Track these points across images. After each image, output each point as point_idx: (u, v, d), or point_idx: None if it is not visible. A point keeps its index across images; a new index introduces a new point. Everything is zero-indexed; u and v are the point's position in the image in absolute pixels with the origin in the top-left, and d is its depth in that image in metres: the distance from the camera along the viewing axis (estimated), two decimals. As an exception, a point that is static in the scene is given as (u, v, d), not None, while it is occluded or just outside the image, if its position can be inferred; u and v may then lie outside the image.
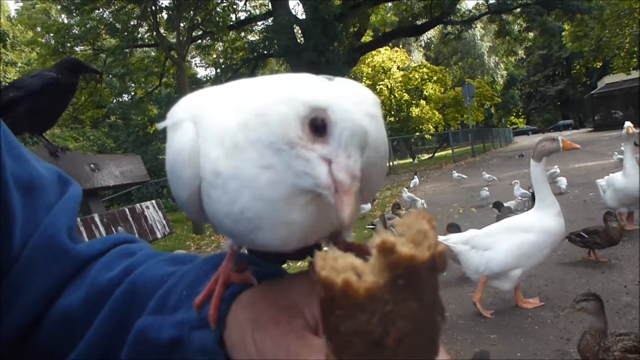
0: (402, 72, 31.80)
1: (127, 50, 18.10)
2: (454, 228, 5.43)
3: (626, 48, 28.74)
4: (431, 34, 41.64)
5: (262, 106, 0.44)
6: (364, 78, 30.11)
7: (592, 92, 45.40)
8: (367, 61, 29.72)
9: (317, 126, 0.42)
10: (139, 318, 0.55)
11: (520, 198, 8.14)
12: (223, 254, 0.58)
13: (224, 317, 0.50)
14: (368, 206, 9.29)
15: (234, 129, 0.45)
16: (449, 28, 26.60)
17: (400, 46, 38.38)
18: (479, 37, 48.15)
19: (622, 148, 14.73)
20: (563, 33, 33.04)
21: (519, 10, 23.90)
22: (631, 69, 30.98)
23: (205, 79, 24.82)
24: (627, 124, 5.95)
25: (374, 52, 28.57)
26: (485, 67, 51.69)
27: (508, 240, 3.98)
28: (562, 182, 9.85)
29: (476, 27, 35.00)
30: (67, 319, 0.62)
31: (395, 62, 31.01)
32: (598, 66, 42.45)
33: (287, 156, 0.42)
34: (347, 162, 0.42)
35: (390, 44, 30.07)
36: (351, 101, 0.45)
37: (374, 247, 0.34)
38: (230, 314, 0.50)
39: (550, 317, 3.92)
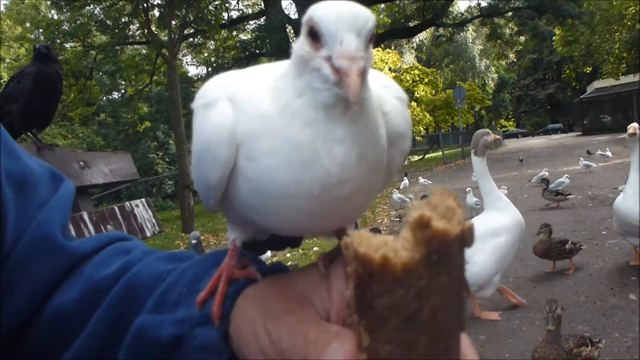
0: (393, 74, 31.88)
1: (118, 48, 17.97)
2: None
3: (615, 54, 29.01)
4: (423, 36, 41.75)
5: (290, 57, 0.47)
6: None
7: (582, 96, 45.76)
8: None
9: (313, 35, 0.44)
10: (137, 316, 0.55)
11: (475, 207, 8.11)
12: (221, 251, 0.58)
13: (227, 314, 0.50)
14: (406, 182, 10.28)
15: (275, 80, 0.47)
16: (441, 30, 26.68)
17: (392, 48, 38.46)
18: (470, 40, 48.38)
19: (601, 153, 14.69)
20: (554, 37, 33.24)
21: (510, 14, 24.02)
22: (620, 74, 31.26)
23: (196, 78, 24.69)
24: (633, 124, 4.82)
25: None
26: (477, 70, 51.94)
27: (482, 251, 4.01)
28: (561, 180, 9.89)
29: (468, 30, 35.18)
30: (62, 317, 0.61)
31: (387, 63, 31.05)
32: (588, 71, 42.81)
33: (308, 75, 0.44)
34: (340, 49, 0.42)
35: (382, 46, 30.13)
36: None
37: (408, 222, 0.35)
38: (236, 309, 0.50)
39: (538, 318, 3.93)
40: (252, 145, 0.46)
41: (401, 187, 13.04)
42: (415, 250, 0.34)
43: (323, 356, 0.41)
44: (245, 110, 0.48)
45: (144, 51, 22.04)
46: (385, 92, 0.50)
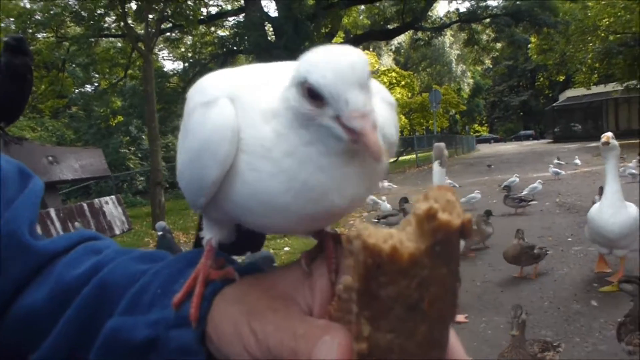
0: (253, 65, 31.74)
1: (92, 40, 17.58)
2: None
3: (588, 64, 29.62)
4: (402, 38, 42.02)
5: (285, 92, 0.46)
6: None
7: (554, 104, 46.61)
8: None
9: (313, 96, 0.43)
10: (108, 317, 0.54)
11: None
12: (195, 251, 0.58)
13: (205, 315, 0.50)
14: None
15: (276, 113, 0.47)
16: (420, 34, 26.91)
17: (371, 49, 38.61)
18: (448, 45, 48.83)
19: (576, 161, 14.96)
20: (529, 45, 33.75)
21: (488, 20, 24.35)
22: (592, 84, 31.92)
23: (172, 73, 24.43)
24: (607, 133, 4.92)
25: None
26: (453, 75, 52.45)
27: None
28: (534, 186, 10.14)
29: (446, 34, 35.51)
30: (30, 317, 0.60)
31: (364, 65, 31.11)
32: (561, 79, 43.67)
33: (315, 129, 0.45)
34: (348, 110, 0.42)
35: (361, 47, 30.20)
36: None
37: (416, 214, 0.36)
38: (215, 309, 0.50)
39: (503, 322, 4.00)
40: (255, 160, 0.47)
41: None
42: (420, 241, 0.35)
43: (315, 351, 0.41)
44: (248, 122, 0.48)
45: (119, 44, 21.64)
46: (376, 99, 0.49)
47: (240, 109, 0.48)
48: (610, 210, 4.66)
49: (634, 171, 11.52)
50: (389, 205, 9.52)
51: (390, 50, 49.00)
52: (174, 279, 0.55)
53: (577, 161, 15.37)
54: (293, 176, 0.46)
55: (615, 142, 4.78)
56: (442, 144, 4.29)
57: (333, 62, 0.43)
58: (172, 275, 0.55)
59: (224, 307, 0.50)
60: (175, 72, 25.26)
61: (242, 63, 25.56)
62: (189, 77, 22.31)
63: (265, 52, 17.79)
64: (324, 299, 0.49)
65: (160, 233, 4.79)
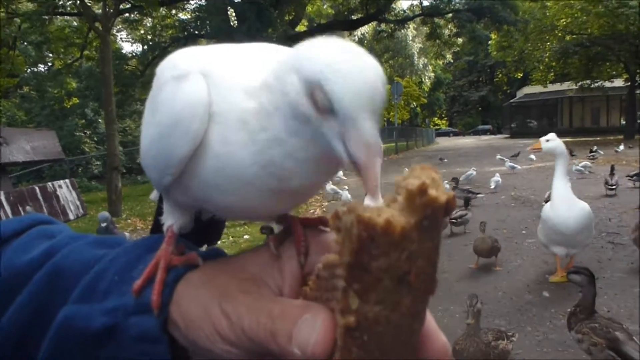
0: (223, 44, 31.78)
1: (46, 17, 16.90)
2: None
3: (545, 62, 30.44)
4: (365, 30, 42.12)
5: (280, 73, 0.45)
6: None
7: (511, 100, 47.72)
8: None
9: (320, 99, 0.41)
10: (62, 305, 0.51)
11: None
12: (154, 237, 0.57)
13: (167, 302, 0.49)
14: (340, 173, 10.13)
15: (260, 90, 0.46)
16: (383, 26, 27.02)
17: (334, 40, 38.54)
18: (410, 38, 49.23)
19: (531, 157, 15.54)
20: (489, 42, 34.41)
21: (450, 15, 24.63)
22: (548, 82, 32.82)
23: (131, 55, 23.82)
24: (541, 139, 5.04)
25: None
26: (415, 68, 52.95)
27: None
28: (495, 179, 10.63)
29: (409, 27, 35.75)
30: None
31: (328, 55, 31.12)
32: (519, 76, 44.73)
33: (309, 127, 0.44)
34: (357, 136, 0.41)
35: (323, 36, 30.11)
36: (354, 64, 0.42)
37: (407, 189, 0.37)
38: (181, 294, 0.49)
39: (459, 311, 4.08)
40: (229, 132, 0.47)
41: (336, 178, 13.17)
42: (410, 216, 0.37)
43: (296, 329, 0.41)
44: (222, 96, 0.47)
45: (75, 23, 20.90)
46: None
47: (212, 84, 0.48)
48: (564, 206, 4.76)
49: (581, 168, 11.98)
50: (349, 196, 9.58)
51: (354, 40, 48.91)
52: (133, 265, 0.53)
53: (532, 156, 15.80)
54: (262, 149, 0.46)
55: (558, 141, 4.91)
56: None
57: (356, 74, 0.41)
58: (130, 262, 0.54)
59: (191, 292, 0.49)
60: (134, 54, 24.67)
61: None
62: (148, 60, 21.84)
63: (227, 38, 17.53)
64: (294, 281, 0.49)
65: (103, 224, 4.64)
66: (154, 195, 0.70)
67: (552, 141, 4.94)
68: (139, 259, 0.54)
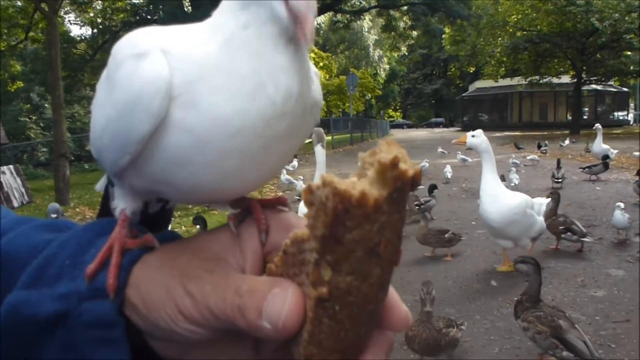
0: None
1: (-12, -4, 16.19)
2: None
3: (497, 57, 31.17)
4: (321, 20, 41.99)
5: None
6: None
7: (464, 94, 48.74)
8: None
9: None
10: (8, 292, 0.49)
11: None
12: (105, 221, 0.56)
13: (123, 286, 0.47)
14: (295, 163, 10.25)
15: (215, 17, 0.49)
16: (339, 16, 27.06)
17: (290, 29, 38.37)
18: (366, 29, 49.50)
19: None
20: (443, 36, 34.99)
21: (405, 8, 24.87)
22: (499, 77, 33.62)
23: (79, 39, 23.01)
24: (467, 134, 5.33)
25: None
26: (370, 59, 53.35)
27: None
28: (448, 170, 11.13)
29: (365, 19, 35.93)
30: None
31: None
32: (471, 71, 45.69)
33: (255, 8, 0.46)
34: None
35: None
36: None
37: (380, 162, 0.38)
38: (140, 276, 0.48)
39: (410, 300, 4.13)
40: (194, 91, 0.46)
41: (290, 169, 13.13)
42: (382, 189, 0.38)
43: (266, 304, 0.42)
44: (182, 58, 0.47)
45: (19, 3, 20.01)
46: None
47: (175, 58, 0.47)
48: (488, 199, 4.95)
49: (535, 157, 12.46)
50: (304, 185, 9.58)
51: (310, 30, 48.90)
52: (84, 249, 0.51)
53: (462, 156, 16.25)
54: (230, 71, 0.46)
55: (483, 138, 5.14)
56: (321, 129, 4.62)
57: None
58: (81, 246, 0.52)
59: (151, 273, 0.48)
60: (83, 38, 23.86)
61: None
62: (98, 44, 21.17)
63: (180, 23, 17.08)
64: (255, 259, 0.50)
65: (53, 215, 4.50)
66: (100, 185, 0.69)
67: (477, 137, 5.16)
68: (91, 242, 0.52)
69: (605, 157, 11.34)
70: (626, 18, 25.37)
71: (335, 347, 0.42)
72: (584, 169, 11.04)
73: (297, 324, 0.41)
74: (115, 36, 20.67)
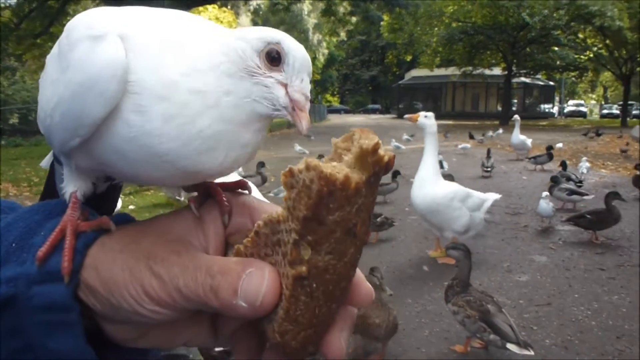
0: (141, 7, 31.14)
1: None
2: None
3: (433, 47, 31.81)
4: (261, 1, 41.49)
5: (221, 40, 0.49)
6: (189, 34, 28.83)
7: (400, 82, 49.59)
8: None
9: (273, 57, 0.50)
10: None
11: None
12: (52, 202, 0.55)
13: (78, 269, 0.47)
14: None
15: (193, 55, 0.48)
16: (280, -2, 26.69)
17: (229, 7, 37.61)
18: (306, 13, 49.23)
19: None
20: (382, 23, 35.29)
21: (345, -7, 24.87)
22: (435, 66, 34.39)
23: (3, 5, 21.53)
24: (421, 113, 5.30)
25: (201, 8, 27.64)
26: (309, 44, 53.10)
27: None
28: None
29: (305, 2, 35.70)
30: None
31: (222, 22, 30.37)
32: (408, 59, 46.40)
33: (247, 84, 0.49)
34: (300, 85, 0.50)
35: (218, 3, 29.27)
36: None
37: (363, 148, 0.41)
38: (97, 259, 0.48)
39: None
40: (144, 95, 0.46)
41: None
42: (361, 173, 0.41)
43: (243, 283, 0.43)
44: (141, 61, 0.46)
45: None
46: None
47: (131, 49, 0.47)
48: (418, 184, 5.02)
49: (467, 145, 12.92)
50: (241, 169, 9.43)
51: (249, 10, 48.14)
52: (32, 231, 0.50)
53: (407, 137, 16.57)
54: (191, 119, 0.46)
55: (433, 121, 5.17)
56: None
57: (302, 48, 0.51)
58: (29, 228, 0.50)
59: (112, 255, 0.48)
60: (7, 4, 22.32)
61: (87, 4, 23.38)
62: (24, 12, 19.91)
63: (111, 2, 16.42)
64: (218, 241, 0.51)
65: None
66: (45, 162, 0.68)
67: (429, 118, 5.20)
68: (39, 224, 0.51)
69: (549, 147, 11.93)
70: (554, 15, 26.51)
71: (309, 323, 0.44)
72: (529, 159, 11.58)
73: (275, 301, 0.43)
74: (43, 5, 19.55)
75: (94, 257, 0.48)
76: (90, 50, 0.46)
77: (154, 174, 0.50)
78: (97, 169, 0.53)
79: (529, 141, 13.13)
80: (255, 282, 0.43)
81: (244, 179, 0.59)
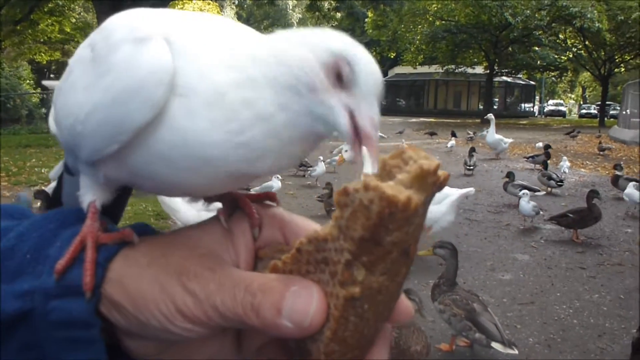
0: (181, 10, 30.85)
1: None
2: None
3: (416, 44, 31.90)
4: (245, -6, 41.24)
5: (278, 46, 0.45)
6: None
7: (383, 78, 49.62)
8: (177, 8, 28.35)
9: (341, 75, 0.44)
10: None
11: None
12: (66, 210, 0.53)
13: (100, 283, 0.45)
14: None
15: (245, 61, 0.45)
16: (264, -8, 26.58)
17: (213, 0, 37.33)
18: (291, 7, 49.09)
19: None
20: (366, 20, 35.32)
21: (331, -11, 24.86)
22: (418, 64, 34.52)
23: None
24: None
25: (185, 0, 27.40)
26: (293, 38, 53.03)
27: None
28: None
29: (289, -4, 35.56)
30: None
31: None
32: (391, 56, 46.43)
33: (307, 100, 0.44)
34: (369, 113, 0.44)
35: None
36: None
37: (424, 169, 0.40)
38: (122, 273, 0.45)
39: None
40: (195, 107, 0.44)
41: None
42: (420, 193, 0.39)
43: (286, 302, 0.41)
44: (189, 66, 0.44)
45: None
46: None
47: (177, 52, 0.44)
48: None
49: (454, 142, 13.16)
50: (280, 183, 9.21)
51: (234, 3, 47.85)
52: (48, 241, 0.47)
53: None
54: (240, 129, 0.44)
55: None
56: None
57: (375, 65, 0.45)
58: (43, 238, 0.48)
59: (140, 270, 0.45)
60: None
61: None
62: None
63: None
64: (248, 255, 0.49)
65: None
66: (54, 173, 0.66)
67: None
68: (54, 234, 0.48)
69: (547, 146, 12.06)
70: (536, 15, 26.79)
71: (357, 344, 0.43)
72: (527, 158, 11.69)
73: (323, 322, 0.41)
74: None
75: (118, 271, 0.46)
76: (136, 54, 0.44)
77: (194, 181, 0.47)
78: (125, 178, 0.51)
79: (505, 140, 13.26)
80: (303, 301, 0.41)
81: (271, 192, 0.56)
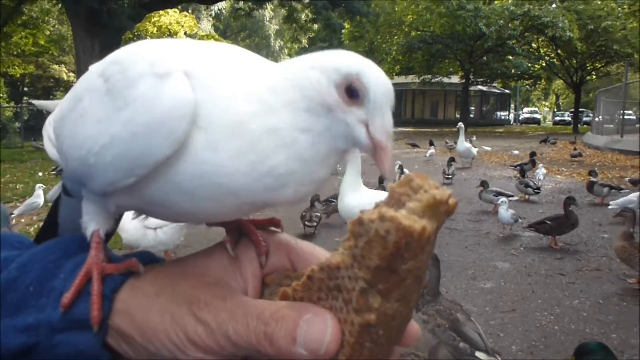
0: (188, 39, 30.80)
1: None
2: None
3: (393, 55, 32.21)
4: (223, 5, 41.11)
5: (291, 73, 0.47)
6: (149, 37, 28.44)
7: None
8: (153, 20, 28.08)
9: (353, 91, 0.46)
10: None
11: None
12: (68, 239, 0.52)
13: (107, 316, 0.45)
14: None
15: (262, 90, 0.46)
16: (241, 4, 26.56)
17: (190, 11, 37.22)
18: (268, 19, 49.19)
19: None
20: (343, 31, 35.55)
21: (307, 1, 24.96)
22: (394, 74, 34.80)
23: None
24: None
25: (161, 12, 27.24)
26: (271, 50, 53.08)
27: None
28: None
29: (267, 8, 35.67)
30: None
31: (183, 26, 30.00)
32: (368, 66, 46.93)
33: (325, 120, 0.46)
34: (382, 123, 0.47)
35: (179, 7, 28.93)
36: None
37: (436, 198, 0.40)
38: (129, 304, 0.45)
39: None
40: (217, 138, 0.44)
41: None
42: (433, 221, 0.40)
43: (300, 330, 0.41)
44: (210, 99, 0.45)
45: None
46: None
47: (197, 86, 0.45)
48: (341, 195, 4.65)
49: (433, 151, 13.39)
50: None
51: (210, 15, 47.75)
52: (50, 273, 0.47)
53: None
54: (264, 157, 0.44)
55: None
56: None
57: (384, 77, 0.47)
58: (46, 269, 0.47)
59: (147, 301, 0.45)
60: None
61: (42, 4, 22.69)
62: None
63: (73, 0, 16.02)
64: (256, 283, 0.49)
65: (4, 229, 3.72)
66: (52, 194, 0.67)
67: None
68: (57, 266, 0.48)
69: (533, 154, 12.23)
70: (509, 25, 27.29)
71: None
72: (514, 167, 11.74)
73: (338, 348, 0.42)
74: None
75: (125, 301, 0.46)
76: (157, 89, 0.44)
77: (214, 210, 0.47)
78: (138, 207, 0.51)
79: (474, 149, 13.43)
80: (318, 329, 0.41)
81: (274, 217, 0.56)
